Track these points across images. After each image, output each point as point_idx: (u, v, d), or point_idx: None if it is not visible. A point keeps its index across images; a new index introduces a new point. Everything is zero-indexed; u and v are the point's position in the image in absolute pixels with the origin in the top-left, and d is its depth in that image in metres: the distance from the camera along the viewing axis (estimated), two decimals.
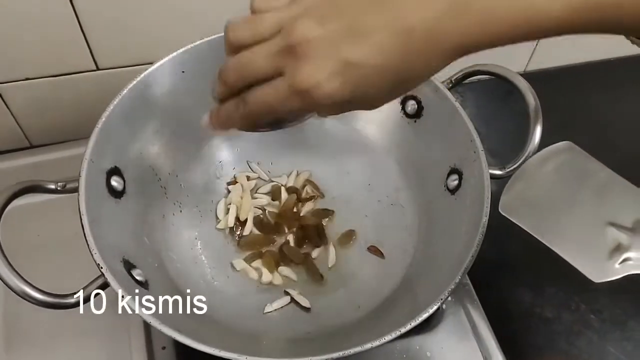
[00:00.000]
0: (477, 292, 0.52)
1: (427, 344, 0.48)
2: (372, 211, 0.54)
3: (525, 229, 0.58)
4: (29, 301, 0.36)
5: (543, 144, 0.46)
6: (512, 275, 0.57)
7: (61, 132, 0.61)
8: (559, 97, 0.67)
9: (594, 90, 0.75)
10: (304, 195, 0.54)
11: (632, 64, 0.73)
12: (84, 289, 0.37)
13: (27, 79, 0.55)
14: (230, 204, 0.53)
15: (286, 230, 0.52)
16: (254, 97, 0.31)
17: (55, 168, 0.58)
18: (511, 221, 0.58)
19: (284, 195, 0.54)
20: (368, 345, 0.36)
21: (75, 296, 0.37)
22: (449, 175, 0.49)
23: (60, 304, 0.36)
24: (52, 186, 0.41)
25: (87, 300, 0.37)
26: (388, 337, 0.36)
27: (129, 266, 0.41)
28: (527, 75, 0.48)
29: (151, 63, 0.47)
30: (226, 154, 0.56)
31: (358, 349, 0.35)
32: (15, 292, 0.35)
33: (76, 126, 0.60)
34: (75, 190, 0.40)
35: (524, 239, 0.57)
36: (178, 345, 0.35)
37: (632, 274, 0.56)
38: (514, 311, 0.54)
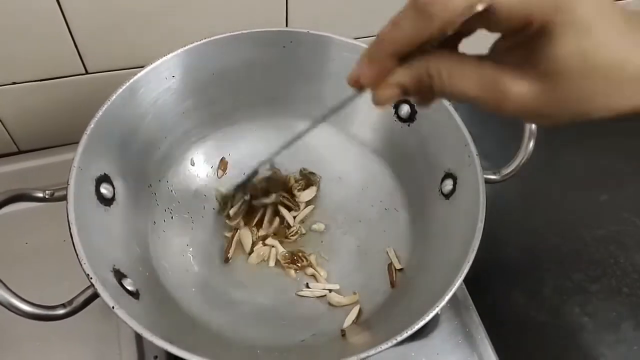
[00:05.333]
0: (472, 297, 0.52)
1: (422, 350, 0.48)
2: (366, 216, 0.53)
3: None
4: (15, 313, 0.35)
5: (537, 147, 0.46)
6: (506, 280, 0.57)
7: (50, 137, 0.61)
8: None
9: None
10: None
11: None
12: (73, 299, 0.36)
13: (14, 83, 0.54)
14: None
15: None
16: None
17: (44, 173, 0.58)
18: (506, 226, 0.58)
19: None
20: (363, 355, 0.35)
21: (63, 308, 0.36)
22: (443, 179, 0.48)
23: (48, 315, 0.35)
24: (40, 194, 0.40)
25: (76, 311, 0.36)
26: (384, 346, 0.35)
27: (119, 276, 0.40)
28: None
29: (141, 67, 0.47)
30: (217, 159, 0.55)
31: (353, 358, 0.35)
32: (1, 303, 0.35)
33: (65, 131, 0.60)
34: (64, 198, 0.39)
35: (517, 243, 0.57)
36: (170, 355, 0.34)
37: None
38: (508, 315, 0.54)
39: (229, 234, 0.51)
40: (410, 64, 0.26)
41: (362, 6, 0.59)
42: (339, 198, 0.55)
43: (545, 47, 0.23)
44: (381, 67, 0.26)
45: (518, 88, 0.24)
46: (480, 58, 0.26)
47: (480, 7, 0.22)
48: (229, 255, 0.50)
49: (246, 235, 0.51)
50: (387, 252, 0.50)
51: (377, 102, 0.28)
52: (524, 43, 0.24)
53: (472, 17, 0.23)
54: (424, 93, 0.27)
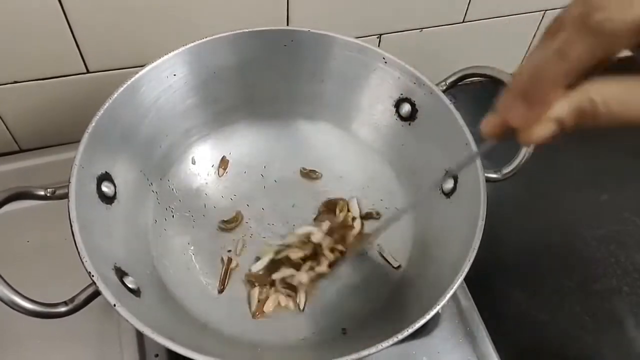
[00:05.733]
0: (473, 296, 0.52)
1: (423, 349, 0.48)
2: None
3: None
4: (17, 310, 0.35)
5: (538, 146, 0.46)
6: (507, 278, 0.57)
7: (51, 136, 0.61)
8: None
9: None
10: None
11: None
12: (74, 297, 0.36)
13: (15, 82, 0.54)
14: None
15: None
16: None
17: (45, 172, 0.58)
18: (506, 224, 0.58)
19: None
20: (365, 353, 0.35)
21: (65, 305, 0.36)
22: (444, 178, 0.48)
23: (49, 313, 0.36)
24: (42, 192, 0.40)
25: (77, 309, 0.36)
26: (385, 344, 0.35)
27: (120, 274, 0.40)
28: None
29: (142, 66, 0.47)
30: (218, 158, 0.55)
31: (354, 356, 0.35)
32: (3, 301, 0.35)
33: (66, 130, 0.60)
34: (65, 196, 0.39)
35: (518, 242, 0.57)
36: (171, 353, 0.34)
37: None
38: (509, 314, 0.54)
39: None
40: (568, 96, 0.24)
41: (364, 5, 0.59)
42: (339, 197, 0.54)
43: None
44: (543, 105, 0.24)
45: None
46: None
47: None
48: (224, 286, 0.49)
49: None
50: (381, 253, 0.50)
51: (530, 141, 0.25)
52: None
53: None
54: (582, 124, 0.24)
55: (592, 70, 0.23)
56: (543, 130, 0.25)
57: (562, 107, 0.24)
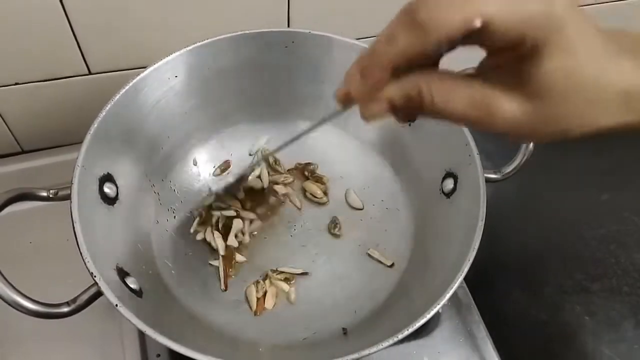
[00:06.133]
0: (473, 296, 0.52)
1: (423, 348, 0.48)
2: (367, 215, 0.53)
3: None
4: (20, 311, 0.35)
5: (538, 146, 0.46)
6: (507, 278, 0.57)
7: (53, 137, 0.61)
8: None
9: None
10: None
11: None
12: (76, 298, 0.37)
13: (17, 83, 0.55)
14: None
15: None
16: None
17: (48, 173, 0.58)
18: (506, 223, 0.58)
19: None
20: (365, 352, 0.35)
21: (67, 306, 0.36)
22: (444, 179, 0.48)
23: (52, 313, 0.36)
24: (44, 193, 0.40)
25: (79, 309, 0.37)
26: (385, 344, 0.35)
27: (122, 274, 0.40)
28: None
29: (144, 67, 0.47)
30: (219, 158, 0.55)
31: (355, 355, 0.35)
32: (5, 301, 0.35)
33: (68, 131, 0.60)
34: (68, 197, 0.39)
35: (518, 242, 0.57)
36: (173, 352, 0.35)
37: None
38: (509, 314, 0.54)
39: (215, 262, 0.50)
40: (401, 81, 0.26)
41: (364, 6, 0.59)
42: (340, 197, 0.55)
43: (534, 66, 0.24)
44: (374, 82, 0.26)
45: (508, 106, 0.24)
46: (468, 77, 0.26)
47: (478, 24, 0.22)
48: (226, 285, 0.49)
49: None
50: (371, 255, 0.51)
51: (366, 117, 0.27)
52: (511, 62, 0.24)
53: (467, 33, 0.23)
54: (411, 110, 0.26)
55: (422, 61, 0.25)
56: (376, 107, 0.27)
57: (395, 89, 0.26)
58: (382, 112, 0.27)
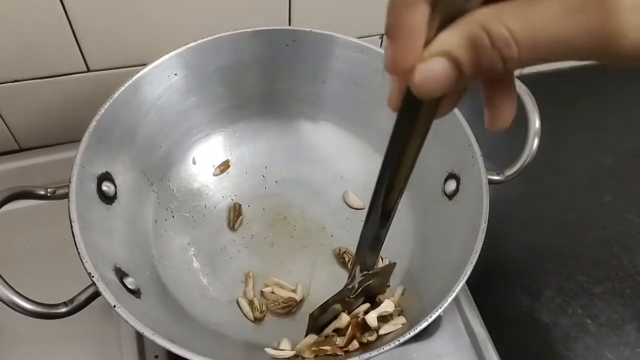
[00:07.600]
0: (475, 298, 0.52)
1: (425, 351, 0.48)
2: None
3: None
4: (17, 311, 0.35)
5: (541, 147, 0.46)
6: (509, 281, 0.56)
7: (51, 135, 0.60)
8: (554, 99, 0.67)
9: (589, 91, 0.74)
10: None
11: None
12: (74, 298, 0.36)
13: (16, 80, 0.54)
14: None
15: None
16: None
17: (46, 171, 0.58)
18: (509, 226, 0.58)
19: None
20: (366, 355, 0.35)
21: (65, 306, 0.36)
22: (446, 180, 0.48)
23: (49, 314, 0.35)
24: (42, 192, 0.40)
25: (77, 310, 0.36)
26: (387, 347, 0.35)
27: (121, 274, 0.40)
28: (523, 78, 0.47)
29: (143, 65, 0.46)
30: (219, 157, 0.55)
31: (355, 359, 0.35)
32: (2, 301, 0.34)
33: (67, 129, 0.60)
34: (66, 196, 0.39)
35: (520, 244, 0.57)
36: (171, 354, 0.34)
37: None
38: (511, 317, 0.54)
39: None
40: (455, 24, 0.19)
41: (366, 5, 0.59)
42: (340, 197, 0.54)
43: None
44: (402, 33, 0.19)
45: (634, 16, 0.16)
46: None
47: None
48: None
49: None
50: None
51: (422, 88, 0.19)
52: None
53: None
54: (488, 65, 0.18)
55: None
56: (433, 68, 0.19)
57: (450, 35, 0.18)
58: (444, 75, 0.19)
